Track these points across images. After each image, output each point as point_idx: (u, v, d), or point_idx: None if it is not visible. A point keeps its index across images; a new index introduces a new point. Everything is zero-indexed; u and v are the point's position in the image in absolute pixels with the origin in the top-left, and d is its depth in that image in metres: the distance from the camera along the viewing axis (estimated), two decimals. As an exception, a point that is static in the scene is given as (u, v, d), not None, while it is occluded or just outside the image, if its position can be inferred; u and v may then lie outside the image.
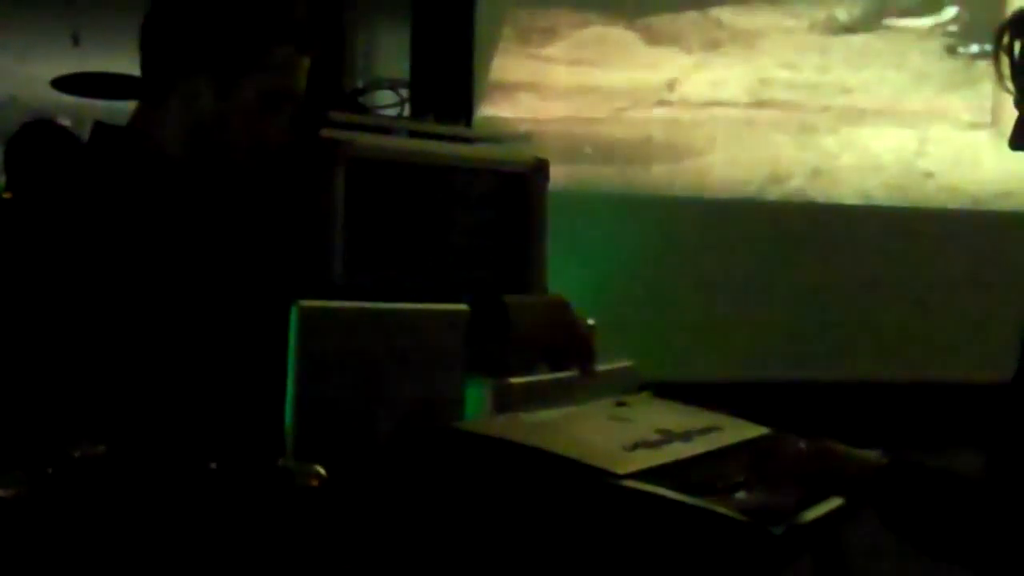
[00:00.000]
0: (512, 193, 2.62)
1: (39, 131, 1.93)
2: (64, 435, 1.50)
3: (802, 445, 1.77)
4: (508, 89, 4.39)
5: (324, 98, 2.52)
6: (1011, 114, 1.77)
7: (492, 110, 4.27)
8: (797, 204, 4.68)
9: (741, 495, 1.68)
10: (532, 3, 4.46)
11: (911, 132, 4.84)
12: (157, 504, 1.49)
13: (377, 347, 1.76)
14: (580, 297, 2.18)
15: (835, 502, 1.76)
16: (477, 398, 1.88)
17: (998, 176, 4.65)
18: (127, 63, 2.00)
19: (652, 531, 1.59)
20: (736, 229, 4.52)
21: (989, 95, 4.66)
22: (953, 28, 4.90)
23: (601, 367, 2.10)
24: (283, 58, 1.94)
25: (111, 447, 1.48)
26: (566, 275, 2.76)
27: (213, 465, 1.53)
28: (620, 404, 2.05)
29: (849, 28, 4.83)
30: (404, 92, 2.77)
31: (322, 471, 1.55)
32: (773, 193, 4.68)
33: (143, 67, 1.98)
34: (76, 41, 7.66)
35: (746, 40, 4.71)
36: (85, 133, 2.03)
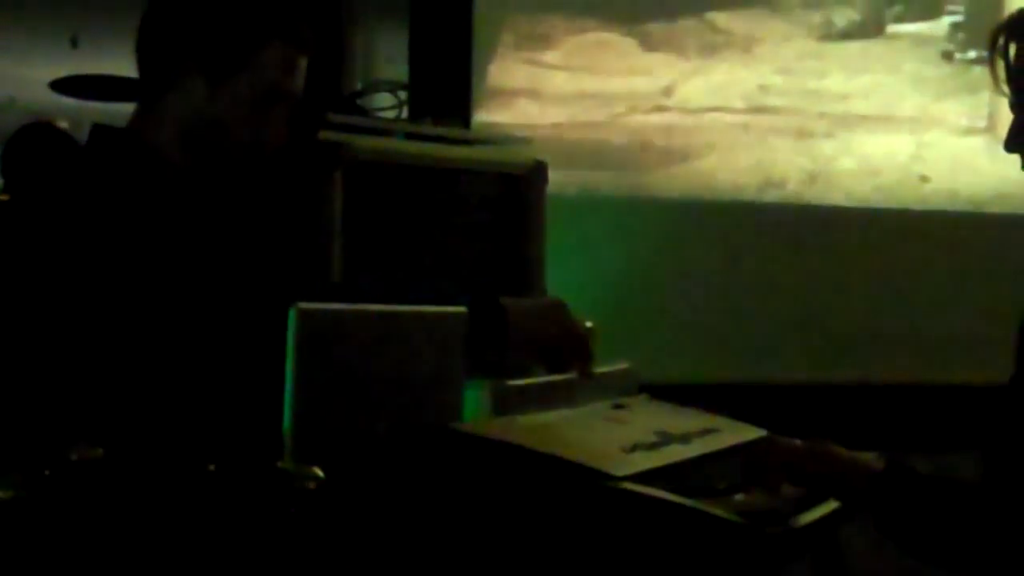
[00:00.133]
0: (510, 195, 2.62)
1: (36, 134, 1.93)
2: (61, 437, 1.50)
3: (797, 443, 1.78)
4: (506, 95, 4.39)
5: (323, 100, 2.52)
6: (1007, 119, 1.78)
7: (490, 116, 4.27)
8: (794, 208, 4.68)
9: (739, 497, 1.68)
10: (529, 9, 4.46)
11: (908, 137, 4.84)
12: (155, 507, 1.49)
13: (375, 349, 1.76)
14: (578, 299, 2.18)
15: (833, 504, 1.76)
16: (475, 400, 1.88)
17: (994, 180, 4.66)
18: (126, 65, 2.00)
19: (650, 533, 1.59)
20: (733, 233, 4.52)
21: (986, 100, 4.66)
22: (949, 33, 4.91)
23: (599, 369, 2.10)
24: (277, 57, 1.94)
25: (109, 449, 1.48)
26: (564, 278, 2.76)
27: (211, 467, 1.53)
28: (618, 406, 2.05)
29: (846, 34, 4.83)
30: (403, 95, 2.77)
31: (320, 473, 1.55)
32: (770, 197, 4.68)
33: (139, 68, 1.98)
34: (75, 43, 7.67)
35: (743, 46, 4.71)
36: (84, 135, 2.04)
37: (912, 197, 4.83)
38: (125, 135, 1.98)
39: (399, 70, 4.10)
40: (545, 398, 1.96)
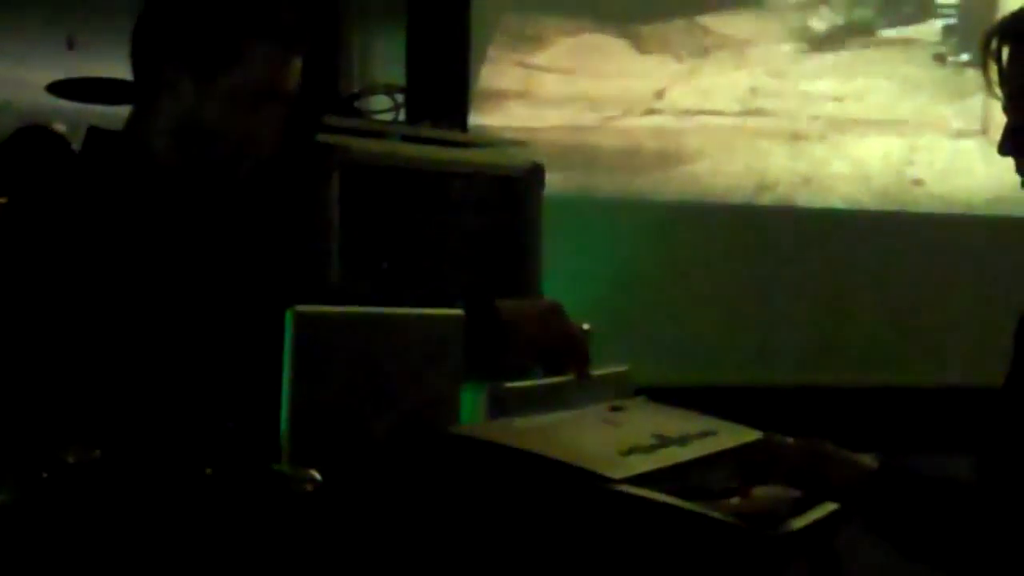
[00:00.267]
0: (507, 197, 2.62)
1: (31, 137, 1.93)
2: (58, 440, 1.50)
3: (790, 441, 1.78)
4: (498, 97, 4.39)
5: (320, 103, 2.52)
6: (1001, 122, 1.78)
7: (483, 119, 4.27)
8: (788, 210, 4.69)
9: (736, 499, 1.68)
10: (522, 11, 4.46)
11: (901, 140, 4.85)
12: (152, 509, 1.49)
13: (372, 352, 1.76)
14: (575, 302, 2.18)
15: (831, 506, 1.76)
16: (472, 403, 1.88)
17: (988, 184, 4.67)
18: (123, 68, 2.00)
19: (647, 536, 1.59)
20: (727, 235, 4.53)
21: (979, 103, 4.67)
22: (943, 37, 4.92)
23: (596, 372, 2.10)
24: (265, 56, 1.93)
25: (106, 452, 1.48)
26: (561, 280, 2.77)
27: (208, 470, 1.53)
28: (615, 409, 2.05)
29: (839, 37, 4.84)
30: (399, 97, 2.77)
31: (317, 476, 1.55)
32: (763, 200, 4.69)
33: (133, 71, 1.99)
34: (71, 45, 7.65)
35: (736, 48, 4.72)
36: (80, 138, 2.04)
37: (905, 200, 4.84)
38: (120, 138, 1.98)
39: (396, 73, 4.10)
40: (542, 400, 1.96)
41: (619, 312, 3.94)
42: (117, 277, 1.84)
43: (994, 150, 1.77)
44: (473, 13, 4.22)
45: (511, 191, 2.62)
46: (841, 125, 4.80)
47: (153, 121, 1.96)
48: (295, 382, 1.63)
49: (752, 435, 2.03)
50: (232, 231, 2.01)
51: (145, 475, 1.51)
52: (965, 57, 4.82)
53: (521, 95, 4.44)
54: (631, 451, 1.77)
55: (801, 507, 1.72)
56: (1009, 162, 1.77)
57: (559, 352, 2.07)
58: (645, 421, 1.98)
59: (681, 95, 4.63)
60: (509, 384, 1.93)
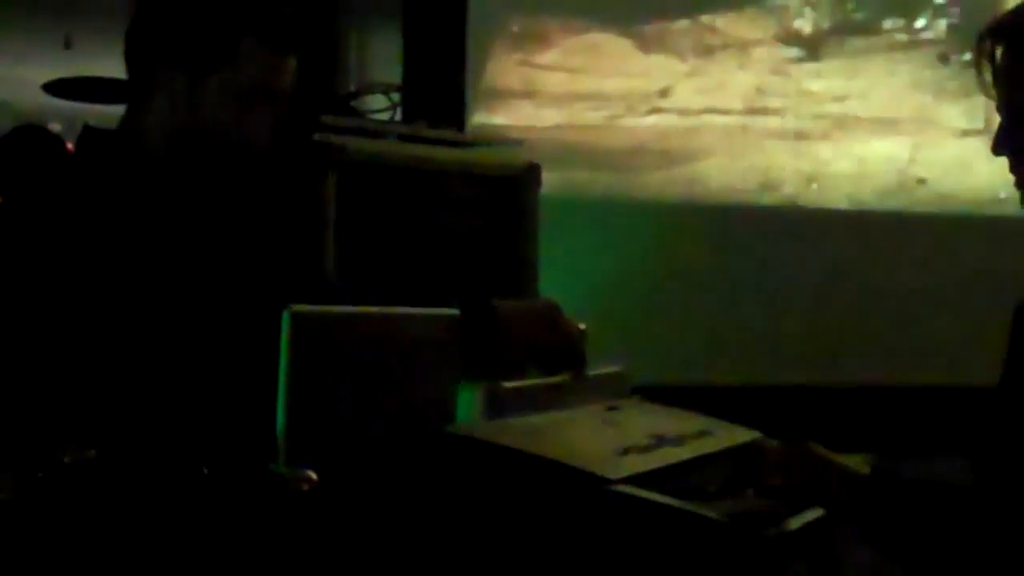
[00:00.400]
0: (503, 197, 2.62)
1: (26, 136, 1.93)
2: (54, 439, 1.50)
3: (776, 444, 1.77)
4: (502, 96, 4.39)
5: (316, 102, 2.52)
6: (1002, 121, 1.78)
7: (486, 117, 4.28)
8: (790, 210, 4.68)
9: (732, 500, 1.67)
10: (525, 10, 4.46)
11: (904, 139, 4.85)
12: (148, 509, 1.49)
13: (368, 352, 1.76)
14: (571, 301, 2.18)
15: (827, 506, 1.76)
16: (468, 402, 1.88)
17: (991, 182, 4.66)
18: (119, 67, 2.00)
19: (643, 536, 1.59)
20: (729, 235, 4.53)
21: (982, 102, 4.65)
22: (946, 36, 4.91)
23: (592, 371, 2.10)
24: (257, 55, 1.93)
25: (102, 451, 1.48)
26: (558, 279, 2.77)
27: (205, 470, 1.53)
28: (611, 408, 2.04)
29: (842, 36, 4.83)
30: (396, 97, 2.76)
31: (314, 476, 1.55)
32: (767, 199, 4.69)
33: (127, 70, 1.99)
34: (68, 45, 7.66)
35: (739, 48, 4.71)
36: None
37: (909, 199, 4.83)
38: (114, 137, 1.98)
39: (393, 72, 4.10)
40: (538, 400, 1.95)
41: (616, 312, 3.94)
42: (112, 277, 1.84)
43: (1008, 163, 1.77)
44: (477, 12, 4.22)
45: (508, 190, 2.63)
46: (845, 124, 4.80)
47: (147, 120, 1.96)
48: (291, 382, 1.63)
49: (748, 435, 2.03)
50: (228, 230, 2.01)
51: (141, 475, 1.51)
52: (968, 56, 4.81)
53: (525, 94, 4.44)
54: (627, 451, 1.77)
55: (798, 507, 1.72)
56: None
57: (556, 352, 2.07)
58: (642, 421, 1.98)
59: (685, 94, 4.63)
60: (506, 384, 1.93)
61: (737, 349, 4.43)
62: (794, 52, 4.77)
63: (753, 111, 4.70)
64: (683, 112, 4.63)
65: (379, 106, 2.75)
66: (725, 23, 4.69)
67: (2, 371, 1.77)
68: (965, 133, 4.80)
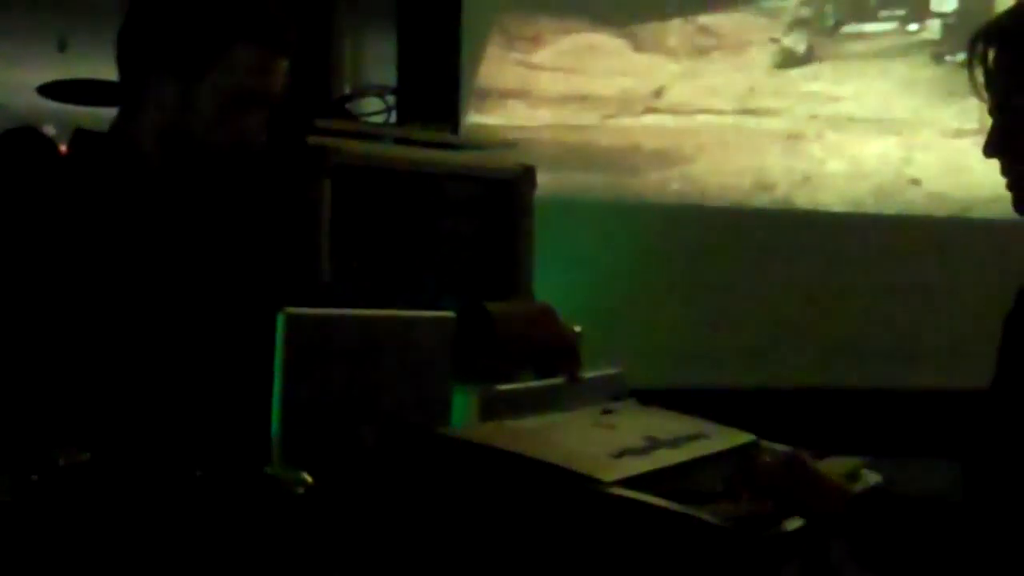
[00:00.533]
0: (498, 199, 2.62)
1: (18, 139, 1.92)
2: (49, 442, 1.50)
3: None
4: (496, 96, 4.39)
5: (310, 104, 2.51)
6: (996, 120, 1.78)
7: (480, 117, 4.27)
8: (785, 211, 4.68)
9: (727, 502, 1.68)
10: (519, 10, 4.46)
11: (898, 139, 4.85)
12: (143, 511, 1.49)
13: (363, 354, 1.76)
14: (567, 304, 2.18)
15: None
16: (463, 405, 1.88)
17: (985, 183, 4.65)
18: (114, 70, 2.00)
19: (638, 538, 1.59)
20: (724, 236, 4.53)
21: (975, 103, 4.65)
22: (940, 37, 4.91)
23: (587, 374, 2.10)
24: (248, 58, 1.93)
25: (96, 454, 1.48)
26: (553, 282, 2.76)
27: (199, 472, 1.53)
28: (606, 411, 2.05)
29: (836, 37, 4.83)
30: (391, 99, 2.76)
31: (308, 478, 1.55)
32: (761, 200, 4.69)
33: (119, 72, 1.98)
34: (63, 48, 7.65)
35: (733, 48, 4.71)
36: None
37: (903, 200, 4.83)
38: (106, 139, 1.98)
39: (387, 74, 4.10)
40: (533, 403, 1.96)
41: (611, 314, 3.93)
42: (105, 279, 1.84)
43: (1000, 165, 1.77)
44: (471, 13, 4.22)
45: (502, 193, 2.62)
46: (839, 125, 4.80)
47: (139, 122, 1.96)
48: (286, 384, 1.64)
49: (743, 437, 2.03)
50: (222, 233, 2.01)
51: (135, 477, 1.51)
52: (962, 56, 4.81)
53: (519, 94, 4.43)
54: (623, 453, 1.77)
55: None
56: None
57: (551, 354, 2.08)
58: (637, 423, 1.98)
59: (679, 94, 4.63)
60: (501, 386, 1.93)
61: (732, 351, 4.43)
62: (788, 52, 4.77)
63: (747, 111, 4.70)
64: (677, 112, 4.63)
65: (373, 108, 2.75)
66: (719, 23, 4.69)
67: (-2, 373, 1.78)
68: (959, 134, 4.80)
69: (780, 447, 2.04)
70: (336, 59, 4.19)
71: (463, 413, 1.88)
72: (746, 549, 1.59)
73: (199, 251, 1.96)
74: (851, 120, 4.81)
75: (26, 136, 1.93)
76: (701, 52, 4.66)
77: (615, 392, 2.15)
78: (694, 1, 4.68)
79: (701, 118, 4.65)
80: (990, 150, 1.75)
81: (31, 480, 1.45)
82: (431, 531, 1.68)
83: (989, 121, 1.77)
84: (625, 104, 4.56)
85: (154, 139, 1.95)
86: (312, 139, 2.34)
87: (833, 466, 1.92)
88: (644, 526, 1.59)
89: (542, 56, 4.47)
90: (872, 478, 1.97)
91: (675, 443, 1.89)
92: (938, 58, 4.89)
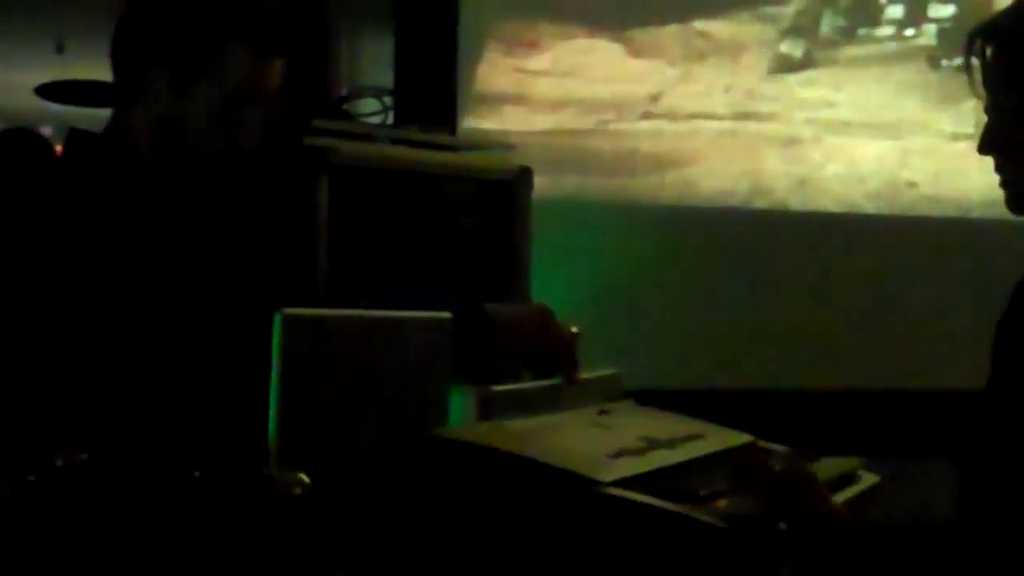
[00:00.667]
0: (495, 201, 2.62)
1: (13, 140, 1.93)
2: (46, 442, 1.50)
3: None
4: (493, 101, 4.39)
5: (308, 105, 2.51)
6: (992, 124, 1.78)
7: (477, 122, 4.27)
8: (781, 214, 4.68)
9: (723, 503, 1.67)
10: (516, 15, 4.46)
11: (895, 143, 4.85)
12: (140, 512, 1.49)
13: (360, 355, 1.76)
14: (564, 305, 2.19)
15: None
16: (461, 406, 1.89)
17: (981, 186, 4.66)
18: (111, 71, 2.00)
19: (635, 538, 1.59)
20: (721, 239, 4.53)
21: (972, 107, 4.65)
22: (937, 41, 4.92)
23: (584, 375, 2.10)
24: (243, 59, 1.93)
25: (94, 455, 1.48)
26: (550, 283, 2.76)
27: (197, 473, 1.53)
28: (603, 412, 2.05)
29: (833, 41, 4.84)
30: (388, 100, 2.76)
31: (306, 479, 1.55)
32: (758, 204, 4.69)
33: (114, 73, 1.99)
34: (60, 49, 7.65)
35: (730, 52, 4.72)
36: (68, 141, 2.03)
37: (899, 203, 4.84)
38: (100, 140, 1.98)
39: (385, 75, 4.10)
40: (531, 404, 1.96)
41: (608, 316, 3.94)
42: (101, 280, 1.84)
43: (994, 163, 1.77)
44: (467, 17, 4.22)
45: (500, 194, 2.62)
46: (835, 128, 4.80)
47: (134, 123, 1.96)
48: (283, 385, 1.64)
49: (740, 438, 2.03)
50: (219, 233, 2.01)
51: (133, 478, 1.51)
52: (959, 61, 4.81)
53: (516, 99, 4.43)
54: (619, 454, 1.77)
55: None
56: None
57: (548, 355, 2.08)
58: (633, 424, 1.98)
59: (676, 99, 4.63)
60: (498, 387, 1.94)
61: (728, 353, 4.43)
62: (785, 57, 4.78)
63: (744, 116, 4.70)
64: (674, 117, 4.63)
65: (371, 109, 2.75)
66: (716, 28, 4.69)
67: (-5, 374, 1.78)
68: (955, 137, 4.80)
69: (778, 448, 2.04)
70: (333, 60, 4.19)
71: (460, 413, 1.88)
72: (743, 549, 1.59)
73: (195, 251, 1.96)
74: (848, 124, 4.81)
75: (21, 137, 1.93)
76: (698, 57, 4.66)
77: (612, 393, 2.16)
78: (691, 6, 4.68)
79: (698, 123, 4.65)
80: (984, 148, 1.76)
81: (28, 480, 1.44)
82: (428, 532, 1.68)
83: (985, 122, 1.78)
84: (622, 109, 4.56)
85: (149, 139, 1.95)
86: (309, 140, 2.34)
87: (829, 467, 1.93)
88: (641, 526, 1.59)
89: (539, 61, 4.47)
90: (870, 479, 1.97)
91: (672, 443, 1.89)
92: (934, 63, 4.90)
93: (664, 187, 4.61)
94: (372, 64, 4.98)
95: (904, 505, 1.83)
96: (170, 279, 1.91)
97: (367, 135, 2.57)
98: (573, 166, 4.46)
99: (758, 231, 4.61)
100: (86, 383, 1.79)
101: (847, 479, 1.92)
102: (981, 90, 1.75)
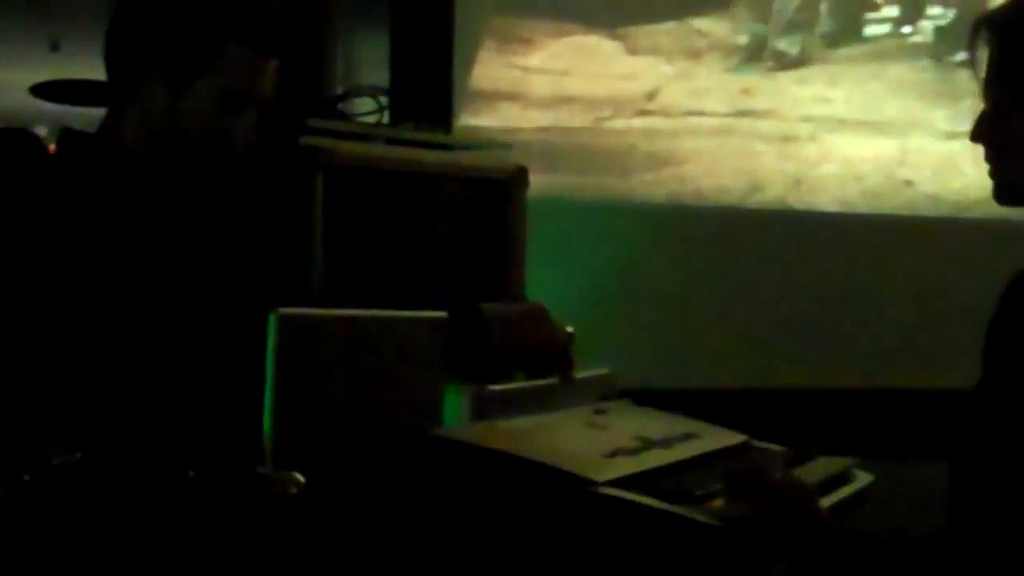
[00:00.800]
0: (491, 200, 2.62)
1: (5, 139, 1.92)
2: (41, 442, 1.50)
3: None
4: (489, 99, 4.39)
5: (303, 105, 2.51)
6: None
7: (473, 119, 4.28)
8: (778, 212, 4.69)
9: (719, 502, 1.67)
10: (512, 13, 4.46)
11: (891, 141, 4.85)
12: (135, 512, 1.49)
13: (355, 354, 1.76)
14: (559, 304, 2.18)
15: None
16: (456, 405, 1.89)
17: (977, 184, 4.65)
18: (105, 70, 2.00)
19: (630, 538, 1.59)
20: (717, 237, 4.53)
21: (968, 104, 4.66)
22: (933, 39, 4.92)
23: (579, 374, 2.10)
24: (238, 59, 1.93)
25: (88, 454, 1.48)
26: (545, 283, 2.76)
27: (192, 473, 1.53)
28: (598, 411, 2.05)
29: (829, 38, 4.84)
30: (383, 99, 2.76)
31: (301, 478, 1.55)
32: (754, 202, 4.69)
33: (108, 72, 1.98)
34: (55, 48, 7.65)
35: (726, 50, 4.72)
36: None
37: (896, 201, 4.84)
38: (94, 139, 1.98)
39: (380, 74, 4.10)
40: (525, 403, 1.96)
41: (604, 315, 3.93)
42: (95, 279, 1.84)
43: (983, 150, 1.77)
44: (464, 15, 4.22)
45: (495, 193, 2.62)
46: (831, 126, 4.81)
47: (127, 122, 1.96)
48: (278, 384, 1.64)
49: (735, 438, 2.03)
50: (213, 233, 2.01)
51: (128, 478, 1.51)
52: (955, 59, 4.82)
53: (513, 96, 4.44)
54: (615, 454, 1.77)
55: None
56: None
57: (543, 355, 2.08)
58: (629, 424, 1.98)
59: (672, 97, 4.63)
60: (493, 387, 1.93)
61: (724, 352, 4.43)
62: (781, 55, 4.78)
63: (740, 113, 4.71)
64: (670, 115, 4.63)
65: (366, 109, 2.74)
66: (710, 26, 4.70)
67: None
68: (952, 135, 4.80)
69: (774, 447, 2.04)
70: (328, 59, 4.19)
71: (455, 413, 1.88)
72: (738, 548, 1.59)
73: (189, 251, 1.96)
74: (844, 122, 4.82)
75: (13, 136, 1.93)
76: (694, 54, 4.67)
77: (607, 392, 2.15)
78: (687, 4, 4.68)
79: (694, 120, 4.65)
80: (975, 136, 1.77)
81: (23, 480, 1.44)
82: (424, 531, 1.68)
83: (982, 121, 1.78)
84: (618, 106, 4.56)
85: (142, 139, 1.95)
86: (305, 139, 2.34)
87: (824, 466, 1.93)
88: (636, 526, 1.59)
89: (535, 58, 4.47)
90: (864, 478, 1.97)
91: (667, 443, 1.89)
92: (931, 60, 4.90)
93: (660, 184, 4.61)
94: (368, 63, 4.99)
95: (899, 505, 1.83)
96: (164, 279, 1.91)
97: (363, 134, 2.57)
98: (569, 163, 4.46)
99: (754, 229, 4.61)
100: (81, 382, 1.79)
101: (841, 478, 1.92)
102: (982, 76, 1.76)
